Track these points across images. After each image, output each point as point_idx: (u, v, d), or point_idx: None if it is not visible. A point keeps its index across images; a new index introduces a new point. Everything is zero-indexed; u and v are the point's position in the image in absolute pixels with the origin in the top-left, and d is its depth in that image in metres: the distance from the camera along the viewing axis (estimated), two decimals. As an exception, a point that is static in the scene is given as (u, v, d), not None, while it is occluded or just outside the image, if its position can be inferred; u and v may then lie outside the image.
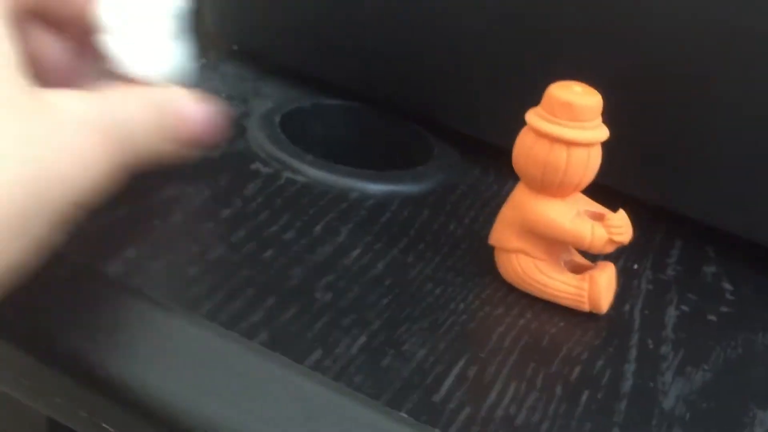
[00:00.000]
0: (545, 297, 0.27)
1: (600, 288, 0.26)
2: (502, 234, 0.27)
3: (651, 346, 0.26)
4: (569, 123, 0.25)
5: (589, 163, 0.25)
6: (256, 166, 0.31)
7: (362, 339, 0.23)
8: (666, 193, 0.32)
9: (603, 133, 0.25)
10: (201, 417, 0.21)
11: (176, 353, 0.22)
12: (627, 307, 0.28)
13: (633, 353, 0.26)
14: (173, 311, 0.23)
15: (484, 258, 0.28)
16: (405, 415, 0.21)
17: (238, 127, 0.33)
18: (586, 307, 0.26)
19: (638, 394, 0.24)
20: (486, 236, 0.30)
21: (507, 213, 0.27)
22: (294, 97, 0.36)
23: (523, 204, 0.26)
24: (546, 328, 0.26)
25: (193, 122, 0.24)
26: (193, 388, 0.21)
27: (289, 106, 0.35)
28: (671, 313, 0.28)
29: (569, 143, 0.25)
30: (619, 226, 0.25)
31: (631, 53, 0.30)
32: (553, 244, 0.26)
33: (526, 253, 0.26)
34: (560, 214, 0.26)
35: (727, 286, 0.30)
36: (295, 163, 0.31)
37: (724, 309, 0.29)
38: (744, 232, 0.31)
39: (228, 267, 0.25)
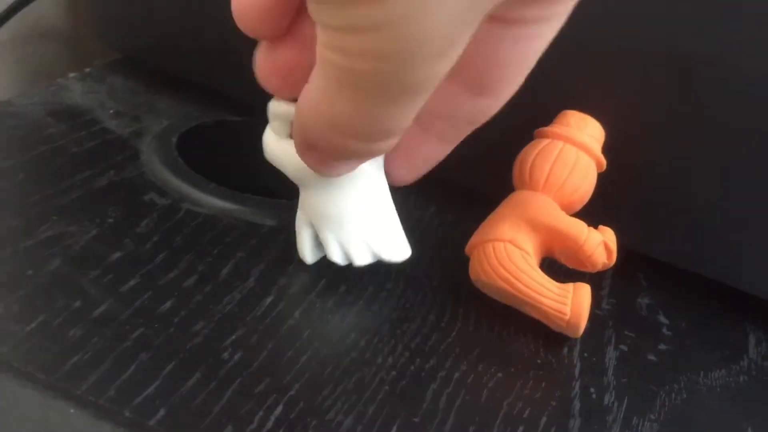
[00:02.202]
0: (520, 297, 0.25)
1: (585, 299, 0.24)
2: (493, 228, 0.26)
3: (594, 396, 0.24)
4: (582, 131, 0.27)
5: (588, 174, 0.27)
6: (151, 197, 0.27)
7: (279, 409, 0.20)
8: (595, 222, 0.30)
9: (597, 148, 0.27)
10: None
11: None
12: (566, 350, 0.26)
13: (576, 406, 0.23)
14: (48, 388, 0.19)
15: (413, 299, 0.26)
16: (333, 507, 0.18)
17: (128, 151, 0.29)
18: (564, 317, 0.24)
19: (586, 454, 0.22)
20: (413, 273, 0.27)
21: (502, 210, 0.26)
22: (194, 114, 0.32)
23: (525, 199, 0.26)
24: (483, 380, 0.23)
25: None
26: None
27: (189, 124, 0.31)
28: (611, 355, 0.26)
29: (580, 145, 0.26)
30: (612, 236, 0.26)
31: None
32: (543, 242, 0.25)
33: (517, 245, 0.25)
34: (561, 211, 0.26)
35: (663, 319, 0.29)
36: (196, 193, 0.27)
37: (662, 347, 0.27)
38: (674, 260, 0.30)
39: (116, 326, 0.21)
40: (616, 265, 0.31)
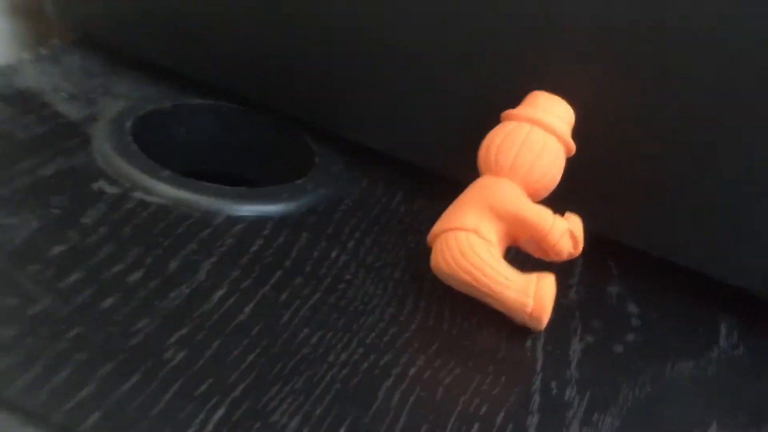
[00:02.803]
0: (481, 289, 0.24)
1: (548, 290, 0.24)
2: (456, 216, 0.25)
3: (555, 392, 0.23)
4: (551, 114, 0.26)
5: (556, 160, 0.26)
6: (100, 185, 0.26)
7: (221, 411, 0.19)
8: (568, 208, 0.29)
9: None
10: None
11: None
12: (529, 343, 0.25)
13: (536, 402, 0.23)
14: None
15: (372, 291, 0.25)
16: None
17: (80, 136, 0.28)
18: (527, 310, 0.23)
19: (543, 453, 0.21)
20: (373, 263, 0.26)
21: (466, 196, 0.25)
22: (151, 97, 0.31)
23: (489, 185, 0.25)
24: (439, 376, 0.23)
25: None
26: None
27: (145, 108, 0.30)
28: (575, 347, 0.25)
29: (548, 128, 0.25)
30: (579, 225, 0.25)
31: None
32: (508, 231, 0.25)
33: (480, 235, 0.24)
34: (526, 198, 0.25)
35: (633, 308, 0.28)
36: (149, 181, 0.26)
37: (630, 337, 0.26)
38: (645, 246, 0.29)
39: (53, 325, 0.20)
40: (587, 252, 0.30)
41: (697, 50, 0.25)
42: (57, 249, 0.23)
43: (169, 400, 0.19)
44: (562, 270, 0.28)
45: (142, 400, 0.19)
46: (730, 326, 0.28)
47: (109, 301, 0.22)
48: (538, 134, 0.25)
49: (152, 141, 0.29)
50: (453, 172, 0.28)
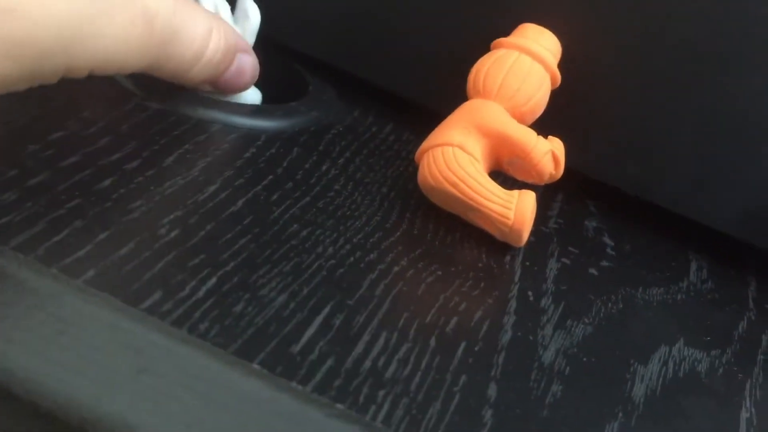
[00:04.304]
0: (465, 201, 0.25)
1: (529, 205, 0.25)
2: (443, 133, 0.26)
3: (531, 298, 0.24)
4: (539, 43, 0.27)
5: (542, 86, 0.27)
6: (101, 87, 0.26)
7: (212, 282, 0.20)
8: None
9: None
10: (2, 370, 0.17)
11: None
12: (508, 258, 0.26)
13: (513, 305, 0.24)
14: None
15: (360, 201, 0.26)
16: (257, 367, 0.18)
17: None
18: (508, 222, 0.24)
19: (517, 347, 0.22)
20: (362, 179, 0.27)
21: (453, 116, 0.26)
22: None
23: (477, 106, 0.26)
24: (422, 276, 0.23)
25: (240, 78, 0.26)
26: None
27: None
28: (552, 266, 0.26)
29: (535, 56, 0.26)
30: (561, 147, 0.26)
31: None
32: (493, 149, 0.26)
33: (466, 150, 0.25)
34: (511, 118, 0.26)
35: (608, 241, 0.29)
36: (147, 88, 0.27)
37: (604, 263, 0.28)
38: (624, 186, 0.30)
39: (52, 195, 0.21)
40: (566, 190, 0.31)
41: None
42: (55, 135, 0.23)
43: (161, 267, 0.20)
44: (542, 203, 0.29)
45: (136, 264, 0.20)
46: (700, 264, 0.29)
47: (106, 182, 0.22)
48: (526, 61, 0.26)
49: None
50: (443, 105, 0.29)
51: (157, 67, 0.23)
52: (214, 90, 0.27)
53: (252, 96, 0.29)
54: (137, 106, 0.26)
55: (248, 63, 0.27)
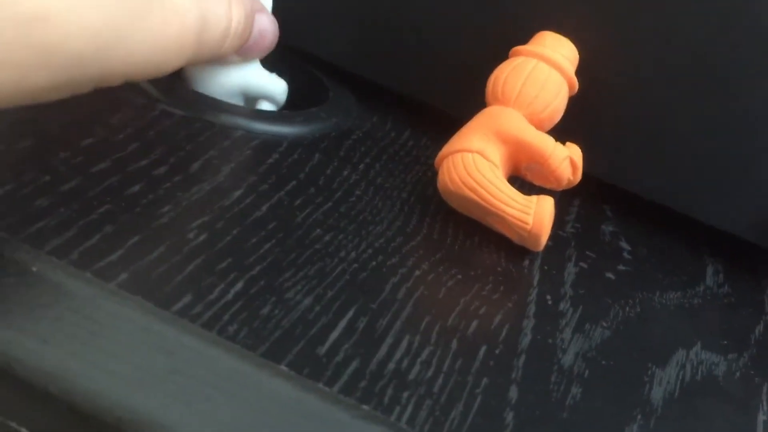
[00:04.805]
0: (485, 206, 0.25)
1: (547, 210, 0.25)
2: (462, 139, 0.26)
3: (550, 302, 0.25)
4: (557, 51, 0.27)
5: (559, 93, 0.27)
6: (127, 95, 0.27)
7: (239, 285, 0.21)
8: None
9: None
10: (38, 370, 0.18)
11: (12, 292, 0.19)
12: (526, 263, 0.26)
13: (532, 309, 0.24)
14: (11, 244, 0.19)
15: (380, 206, 0.26)
16: (285, 368, 0.18)
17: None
18: (527, 227, 0.25)
19: (537, 350, 0.22)
20: (382, 184, 0.28)
21: (472, 123, 0.27)
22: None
23: (495, 113, 0.26)
24: (442, 280, 0.24)
25: (263, 40, 0.27)
26: (29, 334, 0.18)
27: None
28: (570, 270, 0.27)
29: (553, 63, 0.27)
30: (579, 153, 0.27)
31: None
32: (511, 155, 0.26)
33: (485, 156, 0.25)
34: (529, 125, 0.26)
35: (625, 245, 0.29)
36: (172, 94, 0.27)
37: (621, 267, 0.28)
38: (640, 191, 0.30)
39: (84, 201, 0.22)
40: (582, 195, 0.31)
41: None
42: (85, 141, 0.24)
43: (191, 270, 0.21)
44: (560, 207, 0.30)
45: (167, 267, 0.20)
46: (716, 268, 0.30)
47: (135, 188, 0.23)
48: (544, 68, 0.27)
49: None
50: (462, 111, 0.29)
51: (195, 58, 0.23)
52: (242, 57, 0.27)
53: (276, 86, 0.29)
54: (163, 113, 0.27)
55: (267, 23, 0.27)
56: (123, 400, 0.17)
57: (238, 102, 0.29)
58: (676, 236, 0.31)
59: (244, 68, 0.28)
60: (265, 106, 0.29)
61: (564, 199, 0.31)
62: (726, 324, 0.27)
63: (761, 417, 0.23)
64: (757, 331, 0.27)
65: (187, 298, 0.20)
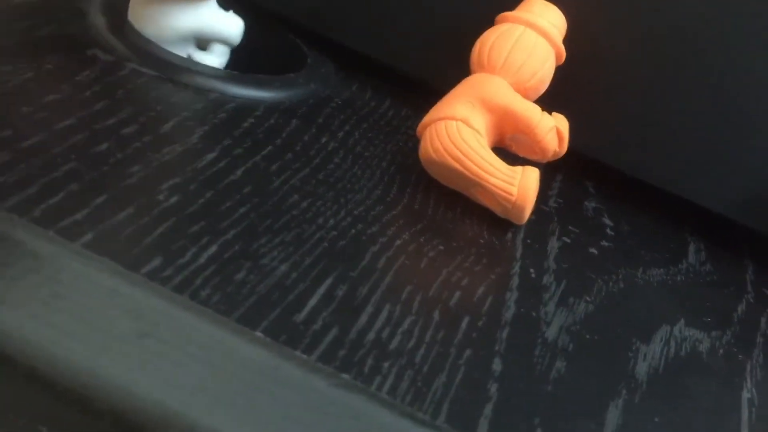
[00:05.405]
0: (468, 176, 0.24)
1: (533, 182, 0.24)
2: (446, 106, 0.25)
3: (533, 276, 0.24)
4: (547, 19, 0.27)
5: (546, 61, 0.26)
6: (94, 51, 0.26)
7: (212, 248, 0.20)
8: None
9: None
10: (-4, 332, 0.16)
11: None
12: (509, 235, 0.25)
13: (515, 282, 0.23)
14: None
15: (360, 174, 0.25)
16: (260, 335, 0.17)
17: (74, 10, 0.28)
18: (511, 198, 0.24)
19: (521, 323, 0.22)
20: (362, 152, 0.27)
21: (457, 90, 0.26)
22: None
23: (481, 80, 0.25)
24: (424, 250, 0.23)
25: None
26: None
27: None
28: (553, 244, 0.26)
29: (540, 31, 0.26)
30: (565, 123, 0.26)
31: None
32: (496, 124, 0.25)
33: (469, 124, 0.24)
34: (516, 93, 0.26)
35: (608, 221, 0.29)
36: (143, 54, 0.26)
37: (604, 243, 0.27)
38: (625, 167, 0.30)
39: (47, 157, 0.20)
40: (565, 171, 0.31)
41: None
42: (49, 97, 0.23)
43: (161, 233, 0.19)
44: (543, 182, 0.29)
45: (135, 228, 0.19)
46: (698, 246, 0.29)
47: (102, 146, 0.22)
48: (531, 35, 0.26)
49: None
50: (441, 81, 0.28)
51: None
52: None
53: (232, 26, 0.28)
54: (133, 72, 0.25)
55: None
56: (90, 365, 0.16)
57: (189, 45, 0.28)
58: (659, 214, 0.30)
59: (200, 8, 0.27)
60: (217, 49, 0.28)
61: (547, 173, 0.30)
62: (709, 302, 0.26)
63: (745, 394, 0.22)
64: (739, 309, 0.26)
65: (156, 261, 0.18)
